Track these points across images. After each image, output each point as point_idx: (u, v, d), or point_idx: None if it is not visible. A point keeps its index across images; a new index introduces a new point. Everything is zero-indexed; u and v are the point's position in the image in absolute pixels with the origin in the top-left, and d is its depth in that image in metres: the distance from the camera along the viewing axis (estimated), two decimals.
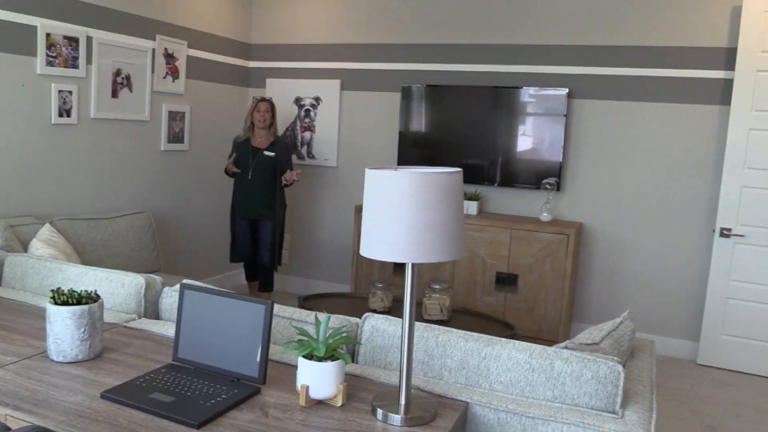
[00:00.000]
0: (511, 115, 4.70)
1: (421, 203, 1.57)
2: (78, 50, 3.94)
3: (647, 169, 4.48)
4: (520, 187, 4.73)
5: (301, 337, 2.09)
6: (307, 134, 5.40)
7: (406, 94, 4.92)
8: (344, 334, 1.99)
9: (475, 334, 1.95)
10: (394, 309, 3.77)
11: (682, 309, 4.46)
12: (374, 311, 3.74)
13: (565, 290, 4.34)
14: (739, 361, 4.24)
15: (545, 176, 4.62)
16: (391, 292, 3.79)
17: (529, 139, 4.65)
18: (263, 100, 4.60)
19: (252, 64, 5.55)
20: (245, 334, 1.82)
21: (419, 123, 4.94)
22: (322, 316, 1.79)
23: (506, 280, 4.48)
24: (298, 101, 5.39)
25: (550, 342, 4.33)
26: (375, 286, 3.79)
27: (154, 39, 4.50)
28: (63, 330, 1.88)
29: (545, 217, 4.55)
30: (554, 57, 4.61)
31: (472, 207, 4.69)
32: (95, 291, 2.01)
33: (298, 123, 5.41)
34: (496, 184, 4.78)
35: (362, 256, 4.83)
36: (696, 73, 4.30)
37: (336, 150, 5.30)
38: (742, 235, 4.17)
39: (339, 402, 1.69)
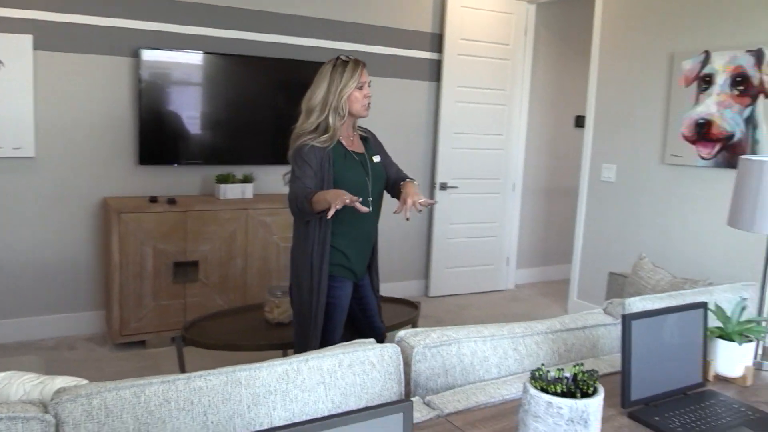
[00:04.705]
0: (275, 89, 4.39)
1: None
2: None
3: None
4: (285, 164, 4.51)
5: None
6: None
7: (143, 60, 3.91)
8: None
9: None
10: None
11: (413, 255, 5.23)
12: (280, 324, 3.20)
13: None
14: (461, 286, 5.35)
15: None
16: None
17: (293, 114, 4.46)
18: (360, 61, 2.53)
19: None
20: (689, 343, 1.71)
21: (163, 97, 4.03)
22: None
23: None
24: None
25: None
26: (274, 294, 3.19)
27: None
28: None
29: None
30: (316, 30, 4.51)
31: (248, 190, 4.22)
32: None
33: None
34: (266, 163, 4.42)
35: (126, 273, 3.76)
36: (409, 53, 4.98)
37: (33, 135, 3.75)
38: (455, 187, 5.20)
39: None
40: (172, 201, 3.92)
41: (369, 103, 2.53)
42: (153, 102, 4.01)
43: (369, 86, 2.52)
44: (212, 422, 1.43)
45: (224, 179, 4.18)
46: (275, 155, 4.49)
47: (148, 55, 3.93)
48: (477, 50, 5.12)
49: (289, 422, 1.50)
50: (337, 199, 2.22)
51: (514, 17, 5.26)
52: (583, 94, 4.89)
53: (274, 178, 4.54)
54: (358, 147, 2.62)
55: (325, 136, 2.46)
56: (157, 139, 4.07)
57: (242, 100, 4.32)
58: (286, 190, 4.46)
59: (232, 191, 4.17)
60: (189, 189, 4.25)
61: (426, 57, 5.02)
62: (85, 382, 1.52)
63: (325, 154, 2.47)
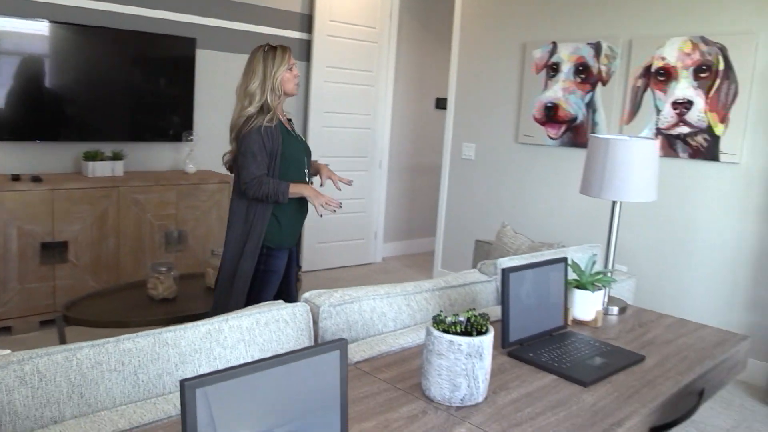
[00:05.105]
0: (138, 64, 4.27)
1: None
2: None
3: None
4: (154, 140, 4.43)
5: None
6: None
7: None
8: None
9: None
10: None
11: None
12: (165, 300, 3.20)
13: None
14: (332, 260, 5.55)
15: (176, 127, 4.49)
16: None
17: (160, 89, 4.37)
18: (286, 47, 2.79)
19: None
20: (552, 293, 2.03)
21: (18, 68, 3.80)
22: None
23: (176, 239, 4.28)
24: None
25: None
26: (157, 270, 3.19)
27: None
28: None
29: (191, 168, 4.50)
30: (181, 4, 4.42)
31: (118, 167, 4.10)
32: None
33: None
34: (135, 140, 4.30)
35: None
36: (279, 32, 5.04)
37: None
38: (326, 164, 5.34)
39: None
40: (37, 179, 3.73)
41: (298, 83, 2.79)
42: (7, 74, 3.76)
43: (295, 67, 2.77)
44: (143, 381, 1.51)
45: (92, 156, 4.02)
46: (143, 131, 4.41)
47: None
48: (345, 32, 5.29)
49: None
50: (320, 200, 2.67)
51: (380, 2, 5.49)
52: (443, 77, 5.25)
53: (144, 155, 4.43)
54: (290, 127, 2.88)
55: (269, 115, 2.67)
56: (16, 113, 3.83)
57: (104, 74, 4.16)
58: (157, 166, 4.47)
59: (101, 168, 4.03)
60: (55, 167, 4.05)
61: (296, 37, 5.11)
62: (8, 351, 1.52)
63: (277, 132, 2.70)
